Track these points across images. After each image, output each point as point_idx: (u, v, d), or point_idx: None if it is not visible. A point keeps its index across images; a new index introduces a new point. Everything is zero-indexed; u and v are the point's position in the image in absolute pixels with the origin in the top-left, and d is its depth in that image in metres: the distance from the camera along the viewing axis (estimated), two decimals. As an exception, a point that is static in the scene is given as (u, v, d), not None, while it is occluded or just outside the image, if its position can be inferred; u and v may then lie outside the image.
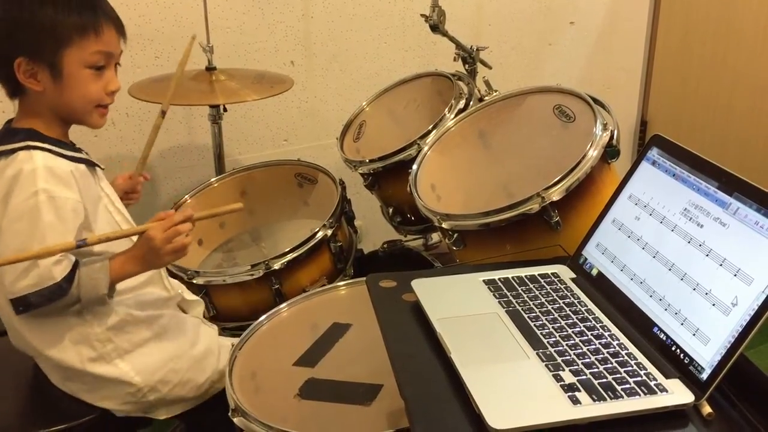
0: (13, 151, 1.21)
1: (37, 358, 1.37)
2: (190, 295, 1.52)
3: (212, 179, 1.91)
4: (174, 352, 1.39)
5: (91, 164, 1.32)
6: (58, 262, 1.21)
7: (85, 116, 1.29)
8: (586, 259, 1.12)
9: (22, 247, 1.18)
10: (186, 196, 1.85)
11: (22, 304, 1.22)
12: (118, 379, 1.33)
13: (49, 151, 1.23)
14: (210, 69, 1.86)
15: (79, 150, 1.32)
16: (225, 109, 1.93)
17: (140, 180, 1.54)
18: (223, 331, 1.59)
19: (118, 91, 1.30)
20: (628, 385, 0.85)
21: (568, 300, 1.04)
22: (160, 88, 1.78)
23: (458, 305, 1.03)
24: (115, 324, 1.32)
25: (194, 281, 1.60)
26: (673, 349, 0.90)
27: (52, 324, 1.29)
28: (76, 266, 1.24)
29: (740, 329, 0.83)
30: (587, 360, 0.90)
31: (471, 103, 1.68)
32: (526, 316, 1.00)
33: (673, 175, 1.02)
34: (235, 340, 1.39)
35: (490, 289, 1.07)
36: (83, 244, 1.21)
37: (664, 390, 0.85)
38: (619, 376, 0.87)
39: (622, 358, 0.90)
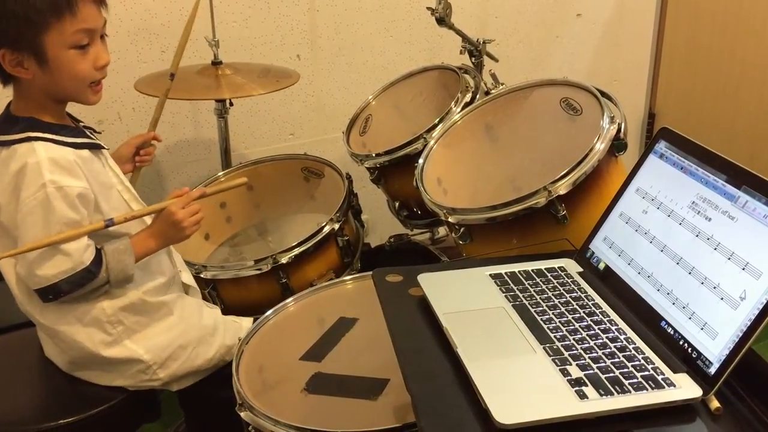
0: (14, 142, 1.22)
1: (46, 342, 1.40)
2: (187, 279, 1.53)
3: (219, 173, 1.92)
4: (181, 329, 1.41)
5: (95, 146, 1.31)
6: (86, 247, 1.24)
7: (79, 95, 1.28)
8: (593, 252, 1.12)
9: (39, 239, 1.20)
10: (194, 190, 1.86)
11: (52, 292, 1.24)
12: (128, 358, 1.35)
13: (51, 140, 1.22)
14: (216, 63, 1.86)
15: (81, 130, 1.32)
16: (231, 104, 1.93)
17: (151, 136, 1.58)
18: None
19: (109, 63, 1.27)
20: (635, 380, 0.85)
21: (575, 294, 1.04)
22: (167, 83, 1.78)
23: (465, 300, 1.03)
24: (126, 306, 1.34)
25: (202, 275, 1.61)
26: (681, 343, 0.90)
27: (65, 306, 1.30)
28: (100, 250, 1.27)
29: (748, 323, 0.82)
30: (594, 354, 0.90)
31: (477, 96, 1.67)
32: (532, 310, 1.00)
33: (681, 168, 1.01)
34: (239, 318, 1.41)
35: (496, 283, 1.07)
36: (111, 223, 1.26)
37: (671, 384, 0.84)
38: (626, 370, 0.87)
39: (629, 353, 0.90)
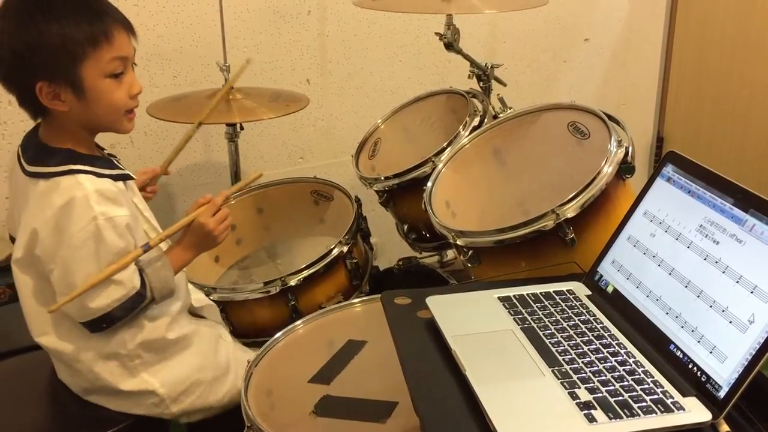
0: (54, 174, 1.21)
1: (60, 367, 1.39)
2: (201, 300, 1.53)
3: (229, 196, 1.93)
4: (198, 364, 1.41)
5: (127, 177, 1.32)
6: (134, 271, 1.26)
7: (115, 124, 1.28)
8: (601, 275, 1.12)
9: (93, 272, 1.21)
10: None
11: (106, 321, 1.25)
12: (143, 390, 1.35)
13: (93, 173, 1.23)
14: (227, 88, 1.88)
15: (110, 160, 1.32)
16: (242, 128, 1.95)
17: (159, 173, 1.56)
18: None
19: (141, 91, 1.29)
20: (644, 403, 0.85)
21: (584, 317, 1.04)
22: (179, 108, 1.80)
23: (473, 322, 1.03)
24: (146, 342, 1.34)
25: (211, 297, 1.61)
26: (690, 366, 0.90)
27: (84, 338, 1.30)
28: (141, 271, 1.29)
29: (757, 347, 0.82)
30: (603, 377, 0.90)
31: (485, 120, 1.68)
32: (541, 333, 1.00)
33: (689, 191, 1.01)
34: (251, 353, 1.41)
35: (505, 306, 1.07)
36: (148, 247, 1.27)
37: (681, 408, 0.84)
38: (635, 393, 0.86)
39: (638, 376, 0.90)
